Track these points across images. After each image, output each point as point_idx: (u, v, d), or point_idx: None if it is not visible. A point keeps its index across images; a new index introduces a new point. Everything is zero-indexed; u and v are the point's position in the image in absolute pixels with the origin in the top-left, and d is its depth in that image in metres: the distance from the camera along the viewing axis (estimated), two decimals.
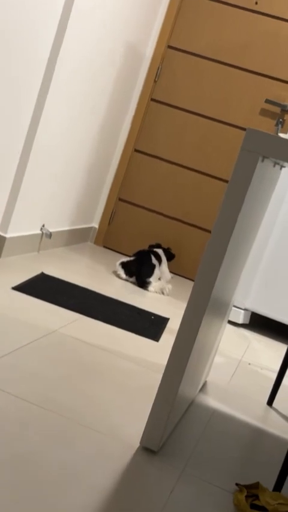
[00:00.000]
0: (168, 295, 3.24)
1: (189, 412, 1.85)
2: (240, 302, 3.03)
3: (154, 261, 3.37)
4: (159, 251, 3.53)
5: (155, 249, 3.52)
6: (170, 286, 3.28)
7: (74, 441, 1.47)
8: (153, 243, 3.76)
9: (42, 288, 2.61)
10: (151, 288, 3.20)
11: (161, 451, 1.56)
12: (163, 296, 3.19)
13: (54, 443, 1.43)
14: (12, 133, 2.68)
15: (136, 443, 1.55)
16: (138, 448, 1.53)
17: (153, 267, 3.29)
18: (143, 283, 3.21)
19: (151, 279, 3.23)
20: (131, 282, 3.24)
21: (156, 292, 3.22)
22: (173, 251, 3.68)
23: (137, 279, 3.23)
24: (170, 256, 3.59)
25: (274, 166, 1.75)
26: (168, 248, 3.63)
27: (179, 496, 1.38)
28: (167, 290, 3.24)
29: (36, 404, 1.59)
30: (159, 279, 3.51)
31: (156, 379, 2.00)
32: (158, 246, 3.60)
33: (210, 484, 1.48)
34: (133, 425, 1.64)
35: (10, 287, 2.48)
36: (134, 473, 1.42)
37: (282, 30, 3.60)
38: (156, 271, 3.29)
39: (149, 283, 3.21)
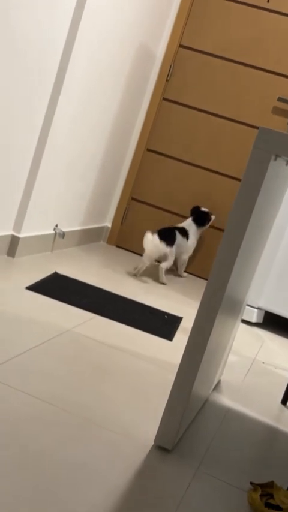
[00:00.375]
0: (166, 283, 3.27)
1: (203, 411, 1.85)
2: (254, 301, 3.02)
3: (178, 237, 3.34)
4: (187, 223, 3.51)
5: (183, 225, 3.49)
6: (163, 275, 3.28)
7: (88, 440, 1.47)
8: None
9: (56, 287, 2.62)
10: (163, 266, 3.25)
11: (175, 449, 1.56)
12: (177, 294, 3.18)
13: (68, 442, 1.44)
14: (25, 133, 2.69)
15: (150, 442, 1.55)
16: (152, 446, 1.53)
17: (173, 241, 3.29)
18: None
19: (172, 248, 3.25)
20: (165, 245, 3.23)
21: (162, 272, 3.25)
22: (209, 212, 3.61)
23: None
24: (202, 220, 3.56)
25: (287, 165, 1.74)
26: (202, 211, 3.58)
27: (194, 494, 1.39)
28: (163, 278, 3.27)
29: (51, 403, 1.59)
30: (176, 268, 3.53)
31: (169, 378, 2.00)
32: (191, 215, 3.58)
33: (224, 483, 1.48)
34: (147, 424, 1.64)
35: (24, 287, 2.49)
36: (148, 472, 1.42)
37: None
38: (171, 252, 3.29)
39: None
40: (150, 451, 1.51)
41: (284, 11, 3.59)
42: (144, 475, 1.40)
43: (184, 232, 3.45)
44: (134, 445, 1.52)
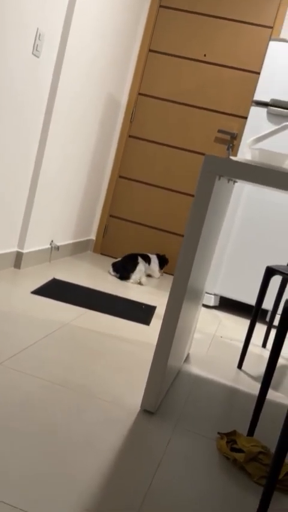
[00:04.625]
0: (145, 284, 3.22)
1: (177, 379, 1.84)
2: (211, 289, 3.03)
3: (140, 260, 3.35)
4: (151, 255, 3.53)
5: (147, 253, 3.52)
6: (144, 278, 3.26)
7: (87, 410, 1.46)
8: (143, 251, 3.79)
9: (55, 290, 2.59)
10: (130, 280, 3.20)
11: (158, 411, 1.55)
12: (151, 289, 3.18)
13: (71, 413, 1.42)
14: (22, 169, 2.66)
15: (137, 408, 1.54)
16: (139, 411, 1.52)
17: (136, 264, 3.27)
18: (123, 277, 3.20)
19: (131, 274, 3.21)
20: (117, 277, 3.23)
21: (134, 282, 3.20)
22: (167, 257, 3.70)
23: (120, 274, 3.22)
24: (162, 261, 3.57)
25: (228, 182, 1.75)
26: (164, 255, 3.63)
27: (175, 445, 1.38)
28: (144, 280, 3.23)
29: (56, 383, 1.57)
30: (148, 275, 3.50)
31: (149, 355, 1.99)
32: (156, 254, 3.60)
33: (198, 435, 1.47)
34: (134, 394, 1.63)
35: (29, 291, 2.46)
36: (137, 430, 1.41)
37: (226, 75, 3.61)
38: (140, 268, 3.27)
39: (128, 276, 3.20)
40: (138, 414, 1.50)
41: (217, 62, 3.61)
42: (134, 433, 1.39)
43: (147, 258, 3.46)
44: (125, 411, 1.50)
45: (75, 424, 1.36)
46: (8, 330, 1.90)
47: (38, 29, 2.40)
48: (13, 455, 1.16)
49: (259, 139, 1.48)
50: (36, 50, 2.44)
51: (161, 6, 3.66)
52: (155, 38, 3.69)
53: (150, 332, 2.31)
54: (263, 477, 1.31)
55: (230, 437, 1.44)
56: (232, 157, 1.51)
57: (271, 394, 1.90)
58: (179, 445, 1.38)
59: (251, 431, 1.52)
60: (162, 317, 1.51)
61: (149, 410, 1.53)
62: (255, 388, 1.93)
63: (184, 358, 2.03)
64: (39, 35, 2.43)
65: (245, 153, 1.48)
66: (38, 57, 2.48)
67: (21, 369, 1.60)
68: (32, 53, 2.42)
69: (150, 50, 3.71)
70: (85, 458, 1.22)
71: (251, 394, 1.87)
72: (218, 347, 2.34)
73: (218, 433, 1.46)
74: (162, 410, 1.57)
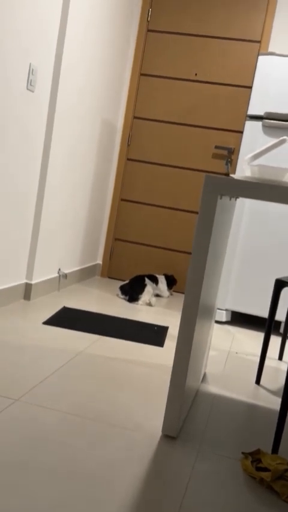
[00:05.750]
0: (155, 305, 3.22)
1: (196, 400, 1.83)
2: (222, 304, 3.02)
3: (147, 281, 3.36)
4: (159, 275, 3.54)
5: (155, 274, 3.54)
6: (153, 299, 3.25)
7: (108, 439, 1.45)
8: (151, 272, 3.80)
9: (66, 319, 2.59)
10: (139, 301, 3.19)
11: (179, 435, 1.54)
12: (161, 309, 3.18)
13: (91, 445, 1.41)
14: (24, 200, 2.69)
15: (159, 433, 1.52)
16: (161, 436, 1.51)
17: (144, 286, 3.28)
18: (132, 299, 3.20)
19: (140, 295, 3.21)
20: (126, 300, 3.23)
21: (144, 304, 3.20)
22: (175, 277, 3.71)
23: (128, 296, 3.22)
24: (170, 281, 3.58)
25: (230, 199, 1.76)
26: (171, 275, 3.63)
27: (200, 470, 1.36)
28: (153, 300, 3.23)
29: (75, 414, 1.57)
30: (157, 295, 3.50)
31: (166, 378, 1.98)
32: (164, 274, 3.61)
33: (222, 456, 1.45)
34: (154, 419, 1.62)
35: (41, 322, 2.46)
36: (160, 457, 1.40)
37: (218, 91, 3.66)
38: (148, 289, 3.27)
39: (137, 298, 3.20)
40: (159, 440, 1.49)
41: (209, 80, 3.66)
42: (157, 460, 1.38)
43: (154, 279, 3.47)
44: (146, 437, 1.49)
45: (96, 455, 1.35)
46: (23, 363, 1.90)
47: (30, 64, 2.46)
48: (34, 491, 1.15)
49: (257, 155, 1.49)
50: (31, 84, 2.49)
51: (148, 30, 3.74)
52: (145, 62, 3.76)
53: (165, 354, 2.30)
54: None
55: (255, 456, 1.42)
56: (232, 175, 1.52)
57: None
58: (204, 469, 1.37)
59: (275, 449, 1.50)
60: (176, 337, 1.50)
61: (171, 435, 1.51)
62: (275, 403, 1.91)
63: (201, 377, 2.02)
64: (32, 70, 2.48)
65: (244, 170, 1.50)
66: (32, 91, 2.53)
67: (39, 402, 1.60)
68: (27, 88, 2.47)
69: (141, 74, 3.78)
70: (109, 490, 1.21)
71: (272, 410, 1.85)
72: (234, 363, 2.32)
73: (242, 452, 1.45)
74: (184, 433, 1.55)
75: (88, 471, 1.27)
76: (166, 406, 1.52)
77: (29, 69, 2.46)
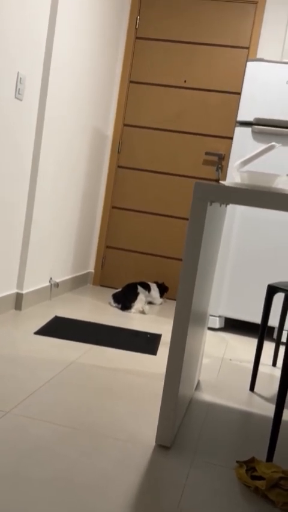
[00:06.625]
0: (148, 313, 3.21)
1: (190, 409, 1.82)
2: (215, 311, 3.02)
3: (140, 289, 3.36)
4: (151, 283, 3.53)
5: (147, 282, 3.53)
6: (146, 307, 3.25)
7: (101, 450, 1.43)
8: (143, 279, 3.79)
9: (58, 328, 2.58)
10: (132, 309, 3.19)
11: (173, 445, 1.53)
12: (154, 316, 3.17)
13: (84, 456, 1.40)
14: (14, 209, 2.68)
15: (152, 444, 1.51)
16: (154, 447, 1.50)
17: (136, 294, 3.27)
18: (124, 307, 3.19)
19: (133, 303, 3.20)
20: (118, 308, 3.22)
21: (136, 312, 3.19)
22: (166, 284, 3.71)
23: (121, 304, 3.22)
24: (162, 289, 3.58)
25: (220, 206, 1.77)
26: (162, 282, 3.64)
27: (194, 479, 1.35)
28: (146, 308, 3.23)
29: (67, 425, 1.55)
30: (149, 302, 3.50)
31: (159, 386, 1.97)
32: (155, 282, 3.61)
33: (216, 465, 1.45)
34: (147, 428, 1.61)
35: (32, 332, 2.45)
36: (154, 468, 1.39)
37: (207, 98, 3.68)
38: (141, 297, 3.27)
39: (130, 306, 3.19)
40: (153, 450, 1.48)
41: (198, 87, 3.69)
42: (151, 470, 1.37)
43: (147, 287, 3.47)
44: (139, 447, 1.48)
45: (89, 467, 1.34)
46: (13, 374, 1.88)
47: (18, 73, 2.46)
48: (26, 504, 1.14)
49: (246, 161, 1.50)
50: (19, 93, 2.49)
51: (137, 38, 3.76)
52: (134, 69, 3.78)
53: (158, 362, 2.29)
54: (286, 503, 1.28)
55: (249, 464, 1.42)
56: (222, 182, 1.53)
57: (287, 415, 1.87)
58: (198, 479, 1.36)
59: (269, 456, 1.49)
60: (169, 345, 1.50)
61: (164, 444, 1.51)
62: (270, 410, 1.90)
63: (195, 385, 2.01)
64: (20, 78, 2.48)
65: (234, 176, 1.50)
66: (21, 100, 2.53)
67: (30, 414, 1.59)
68: (15, 97, 2.47)
69: (130, 81, 3.79)
70: (102, 502, 1.19)
71: (267, 417, 1.84)
72: (228, 370, 2.32)
73: (237, 461, 1.44)
74: (178, 443, 1.54)
75: (81, 482, 1.26)
76: (159, 415, 1.51)
77: (17, 78, 2.46)
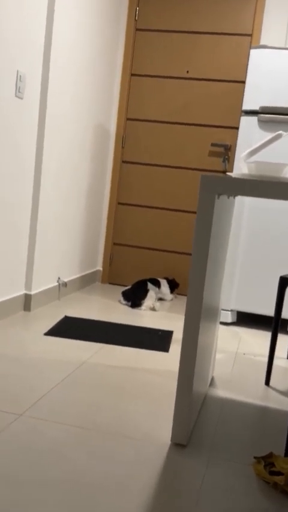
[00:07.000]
0: (158, 310, 3.21)
1: (204, 405, 1.82)
2: (226, 305, 3.02)
3: (150, 286, 3.36)
4: (160, 279, 3.53)
5: (157, 278, 3.53)
6: (157, 303, 3.25)
7: (115, 451, 1.44)
8: (152, 275, 3.79)
9: (68, 328, 2.59)
10: (143, 307, 3.19)
11: (189, 443, 1.53)
12: (165, 313, 3.17)
13: (99, 457, 1.40)
14: (19, 209, 2.69)
15: (168, 442, 1.52)
16: (170, 445, 1.50)
17: (146, 291, 3.27)
18: (134, 305, 3.19)
19: (143, 301, 3.20)
20: (128, 306, 3.22)
21: (147, 309, 3.19)
22: (176, 280, 3.70)
23: (131, 302, 3.22)
24: (172, 285, 3.57)
25: (228, 198, 1.76)
26: (173, 279, 3.63)
27: (211, 477, 1.35)
28: (157, 305, 3.22)
29: (80, 426, 1.56)
30: (160, 299, 3.50)
31: (173, 384, 1.98)
32: (165, 278, 3.61)
33: (233, 462, 1.45)
34: (162, 427, 1.61)
35: (42, 333, 2.46)
36: (170, 467, 1.39)
37: (211, 88, 3.66)
38: (151, 294, 3.27)
39: (140, 304, 3.19)
40: (169, 449, 1.48)
41: (201, 77, 3.67)
42: (168, 469, 1.37)
43: (157, 283, 3.46)
44: (155, 447, 1.48)
45: (104, 467, 1.34)
46: (25, 376, 1.90)
47: (18, 71, 2.46)
48: (41, 505, 1.15)
49: (253, 152, 1.49)
50: (19, 91, 2.50)
51: (137, 29, 3.74)
52: (135, 62, 3.77)
53: (171, 359, 2.29)
54: None
55: (267, 460, 1.42)
56: (229, 173, 1.52)
57: None
58: (215, 477, 1.36)
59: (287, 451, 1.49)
60: (181, 341, 1.50)
61: (180, 443, 1.51)
62: (287, 404, 1.90)
63: (209, 381, 2.01)
64: (20, 76, 2.48)
65: (241, 167, 1.49)
66: (21, 98, 2.54)
67: (43, 416, 1.60)
68: (15, 95, 2.48)
69: (132, 74, 3.78)
70: (119, 502, 1.20)
71: (284, 411, 1.84)
72: (242, 365, 2.31)
73: (254, 457, 1.44)
74: (194, 441, 1.55)
75: (96, 484, 1.26)
76: (174, 413, 1.51)
77: (17, 76, 2.46)
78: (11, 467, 1.30)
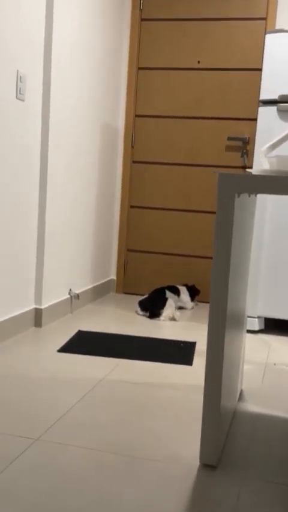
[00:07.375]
0: (178, 319, 3.20)
1: (234, 422, 1.81)
2: (253, 311, 3.00)
3: (168, 294, 3.36)
4: (180, 286, 3.53)
5: (176, 285, 3.53)
6: (177, 313, 3.24)
7: (139, 475, 1.44)
8: (171, 282, 3.78)
9: (82, 344, 2.60)
10: (162, 317, 3.18)
11: (219, 463, 1.52)
12: (186, 323, 3.16)
13: (122, 481, 1.40)
14: (24, 219, 2.71)
15: (196, 463, 1.51)
16: (199, 466, 1.50)
17: (165, 299, 3.27)
18: (153, 315, 3.19)
19: (162, 310, 3.20)
20: (146, 316, 3.22)
21: (166, 319, 3.18)
22: (196, 286, 3.70)
23: (149, 312, 3.22)
24: (193, 292, 3.57)
25: (249, 196, 1.75)
26: (193, 285, 3.62)
27: (246, 500, 1.34)
28: (177, 314, 3.21)
29: (99, 449, 1.56)
30: (180, 308, 3.49)
31: (198, 399, 1.97)
32: (185, 285, 3.60)
33: (270, 483, 1.44)
34: (189, 447, 1.60)
35: (56, 350, 2.47)
36: (200, 490, 1.38)
37: (225, 78, 3.66)
38: (170, 303, 3.26)
39: (159, 314, 3.19)
40: (198, 470, 1.47)
41: (214, 67, 3.67)
42: (197, 493, 1.36)
43: (176, 290, 3.46)
44: (183, 469, 1.48)
45: (128, 493, 1.34)
46: (39, 397, 1.91)
47: (18, 71, 2.49)
48: None
49: (274, 145, 1.49)
50: (20, 93, 2.53)
51: (142, 19, 3.77)
52: (142, 55, 3.79)
53: (195, 372, 2.28)
54: None
55: None
56: (249, 170, 1.52)
57: None
58: (250, 499, 1.35)
59: None
60: (205, 353, 1.49)
61: (210, 463, 1.50)
62: None
63: (238, 395, 2.00)
64: (20, 77, 2.51)
65: (261, 162, 1.49)
66: (23, 100, 2.57)
67: (61, 440, 1.60)
68: (16, 97, 2.51)
69: (139, 68, 3.80)
70: None
71: None
72: (273, 376, 2.30)
73: None
74: (225, 461, 1.54)
75: (120, 511, 1.26)
76: (202, 431, 1.51)
77: (17, 77, 2.49)
78: (29, 496, 1.31)
